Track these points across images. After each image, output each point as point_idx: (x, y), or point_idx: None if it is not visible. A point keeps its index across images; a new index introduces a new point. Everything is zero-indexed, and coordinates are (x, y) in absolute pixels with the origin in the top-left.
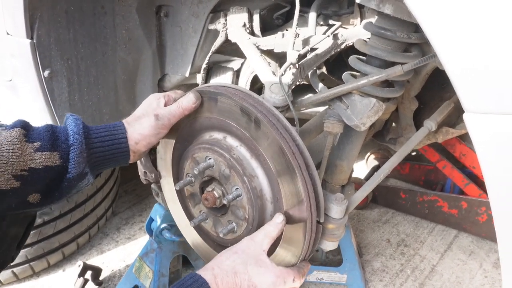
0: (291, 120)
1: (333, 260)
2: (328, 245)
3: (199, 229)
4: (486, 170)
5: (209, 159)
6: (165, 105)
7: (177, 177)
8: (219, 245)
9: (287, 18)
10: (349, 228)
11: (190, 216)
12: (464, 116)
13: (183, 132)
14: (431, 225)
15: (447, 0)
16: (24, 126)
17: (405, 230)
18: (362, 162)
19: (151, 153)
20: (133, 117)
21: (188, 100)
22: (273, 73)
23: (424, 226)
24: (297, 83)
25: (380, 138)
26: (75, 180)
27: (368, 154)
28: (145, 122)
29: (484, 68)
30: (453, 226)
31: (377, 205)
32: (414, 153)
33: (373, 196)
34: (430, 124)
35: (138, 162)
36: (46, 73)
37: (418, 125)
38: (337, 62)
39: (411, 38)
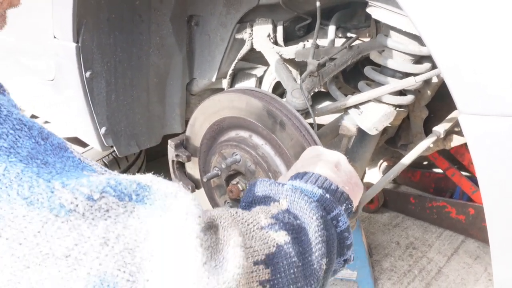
0: (310, 123)
1: None
2: None
3: None
4: (478, 167)
5: (236, 155)
6: None
7: (203, 170)
8: None
9: (308, 30)
10: (360, 228)
11: (215, 206)
12: (459, 117)
13: (212, 129)
14: (439, 230)
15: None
16: None
17: (414, 234)
18: (375, 169)
19: (183, 166)
20: None
21: None
22: (294, 79)
23: (433, 231)
24: (317, 89)
25: (392, 144)
26: None
27: (381, 161)
28: None
29: (477, 72)
30: (460, 232)
31: (388, 209)
32: (425, 162)
33: (384, 201)
34: (438, 131)
35: (172, 175)
36: (88, 74)
37: (428, 132)
38: (353, 72)
39: (422, 51)
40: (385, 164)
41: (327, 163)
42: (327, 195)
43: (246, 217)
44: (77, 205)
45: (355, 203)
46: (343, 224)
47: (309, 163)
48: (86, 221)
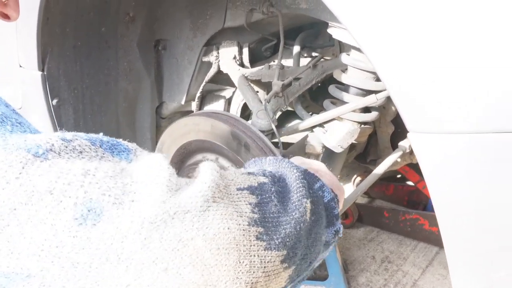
0: (276, 143)
1: (320, 275)
2: None
3: None
4: (430, 185)
5: None
6: None
7: None
8: None
9: (275, 51)
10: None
11: None
12: (408, 135)
13: (179, 152)
14: (414, 242)
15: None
16: None
17: (389, 248)
18: (349, 184)
19: None
20: None
21: None
22: (260, 101)
23: (407, 243)
24: (282, 109)
25: (361, 159)
26: None
27: (355, 176)
28: None
29: (422, 93)
30: (434, 243)
31: (363, 224)
32: (399, 176)
33: (358, 215)
34: (404, 146)
35: None
36: (55, 101)
37: (396, 147)
38: (321, 90)
39: None
40: (359, 179)
41: (309, 167)
42: (309, 172)
43: (224, 173)
44: (53, 144)
45: (340, 205)
46: (328, 195)
47: None
48: (63, 159)
